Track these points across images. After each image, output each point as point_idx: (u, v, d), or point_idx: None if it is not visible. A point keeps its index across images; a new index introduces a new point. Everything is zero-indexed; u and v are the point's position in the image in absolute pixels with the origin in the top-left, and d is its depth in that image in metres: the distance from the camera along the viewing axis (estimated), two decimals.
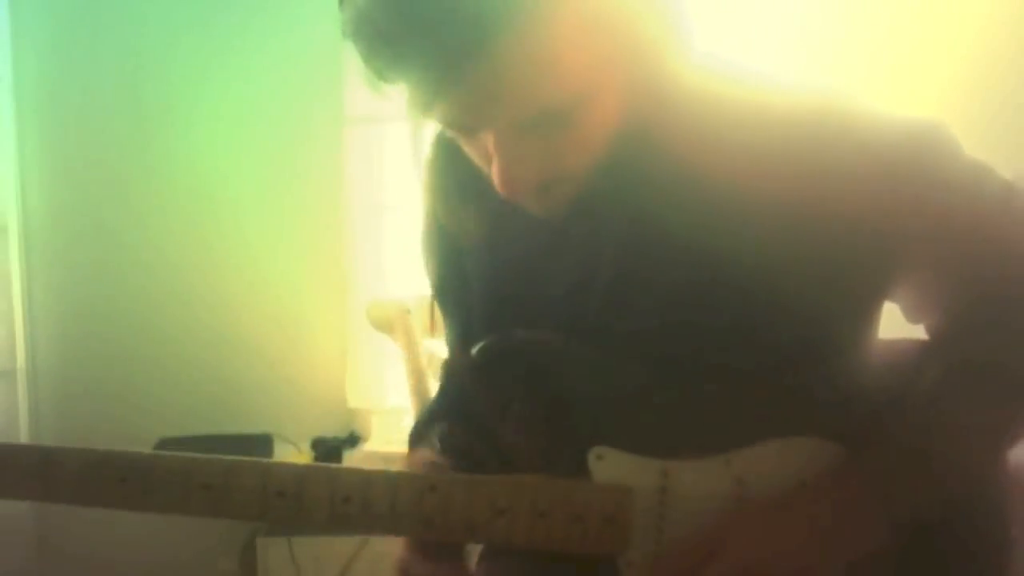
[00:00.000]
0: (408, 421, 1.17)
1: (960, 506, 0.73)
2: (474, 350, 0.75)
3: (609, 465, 0.72)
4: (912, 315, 0.78)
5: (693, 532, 0.70)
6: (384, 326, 1.40)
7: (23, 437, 2.20)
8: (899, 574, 0.71)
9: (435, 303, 0.91)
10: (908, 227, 0.70)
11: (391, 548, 0.92)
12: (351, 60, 0.67)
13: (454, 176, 0.82)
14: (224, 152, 2.20)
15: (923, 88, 1.82)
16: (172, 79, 2.19)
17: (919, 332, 0.79)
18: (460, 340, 0.86)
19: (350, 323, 2.22)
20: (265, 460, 0.75)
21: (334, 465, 0.75)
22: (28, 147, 2.20)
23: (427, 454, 0.84)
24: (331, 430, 2.15)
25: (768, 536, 0.68)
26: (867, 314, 0.76)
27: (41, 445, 0.76)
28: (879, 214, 0.69)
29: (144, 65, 2.19)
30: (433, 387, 1.14)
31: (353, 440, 2.18)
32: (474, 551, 0.93)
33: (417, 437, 0.90)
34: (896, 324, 0.80)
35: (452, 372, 0.92)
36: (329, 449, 2.08)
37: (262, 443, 2.06)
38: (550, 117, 0.62)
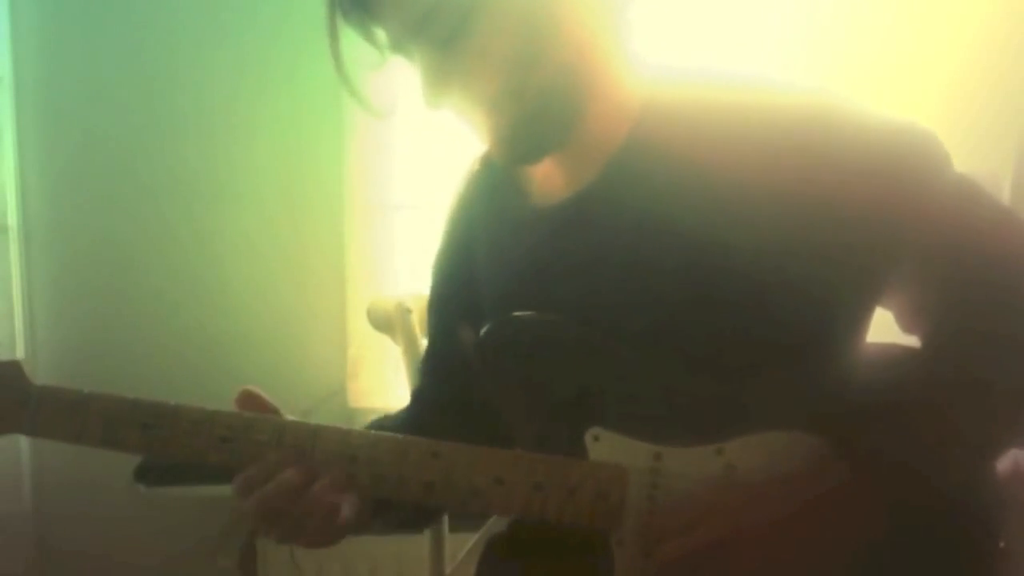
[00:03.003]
0: None
1: (948, 512, 0.74)
2: (482, 331, 0.78)
3: (604, 446, 0.75)
4: (905, 324, 0.79)
5: (682, 513, 0.72)
6: (384, 326, 1.40)
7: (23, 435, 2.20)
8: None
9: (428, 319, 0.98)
10: (896, 227, 0.72)
11: (392, 549, 0.92)
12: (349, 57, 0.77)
13: (479, 201, 0.91)
14: (224, 152, 2.20)
15: (923, 88, 1.82)
16: (172, 78, 2.19)
17: (907, 339, 0.80)
18: (427, 367, 0.97)
19: (350, 323, 2.22)
20: (281, 418, 0.78)
21: (344, 427, 0.78)
22: (28, 147, 2.20)
23: None
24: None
25: (756, 508, 0.70)
26: (858, 314, 0.78)
27: (77, 390, 0.80)
28: (868, 211, 0.71)
29: (145, 65, 2.19)
30: None
31: None
32: (471, 556, 0.93)
33: None
34: (886, 330, 0.80)
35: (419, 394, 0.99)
36: None
37: None
38: (440, 20, 0.73)
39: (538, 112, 0.75)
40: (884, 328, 0.81)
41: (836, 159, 0.72)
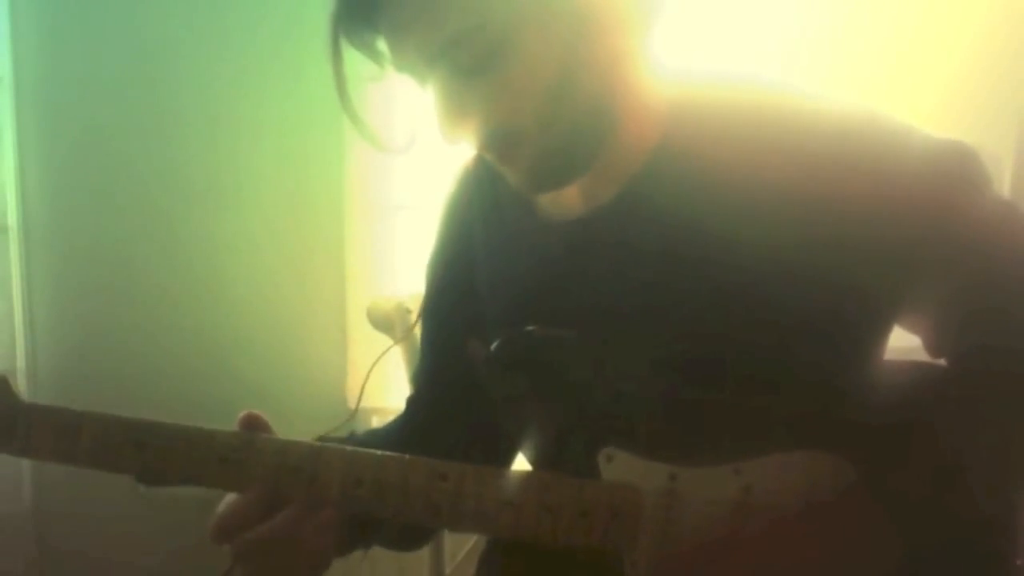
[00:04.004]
0: None
1: (967, 531, 0.71)
2: (492, 345, 0.75)
3: (618, 466, 0.72)
4: (933, 345, 0.76)
5: (698, 536, 0.70)
6: (384, 327, 1.40)
7: None
8: None
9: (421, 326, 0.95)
10: (932, 244, 0.70)
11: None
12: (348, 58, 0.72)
13: (476, 204, 0.86)
14: (224, 152, 2.20)
15: (922, 82, 1.82)
16: (173, 78, 2.19)
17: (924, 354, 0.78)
18: (423, 372, 0.94)
19: (350, 323, 2.22)
20: (282, 437, 0.75)
21: (349, 448, 0.75)
22: (28, 147, 2.20)
23: None
24: (331, 430, 2.14)
25: (776, 547, 0.67)
26: (882, 330, 0.76)
27: (68, 408, 0.76)
28: (904, 227, 0.69)
29: (145, 65, 2.19)
30: None
31: None
32: (471, 556, 0.93)
33: None
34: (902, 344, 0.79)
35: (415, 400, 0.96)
36: None
37: None
38: (468, 48, 0.66)
39: (568, 143, 0.71)
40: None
41: (876, 173, 0.69)
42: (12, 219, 2.18)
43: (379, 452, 0.75)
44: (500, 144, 0.71)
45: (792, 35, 1.85)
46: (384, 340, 1.44)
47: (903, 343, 0.79)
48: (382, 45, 0.72)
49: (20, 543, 2.19)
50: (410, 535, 0.88)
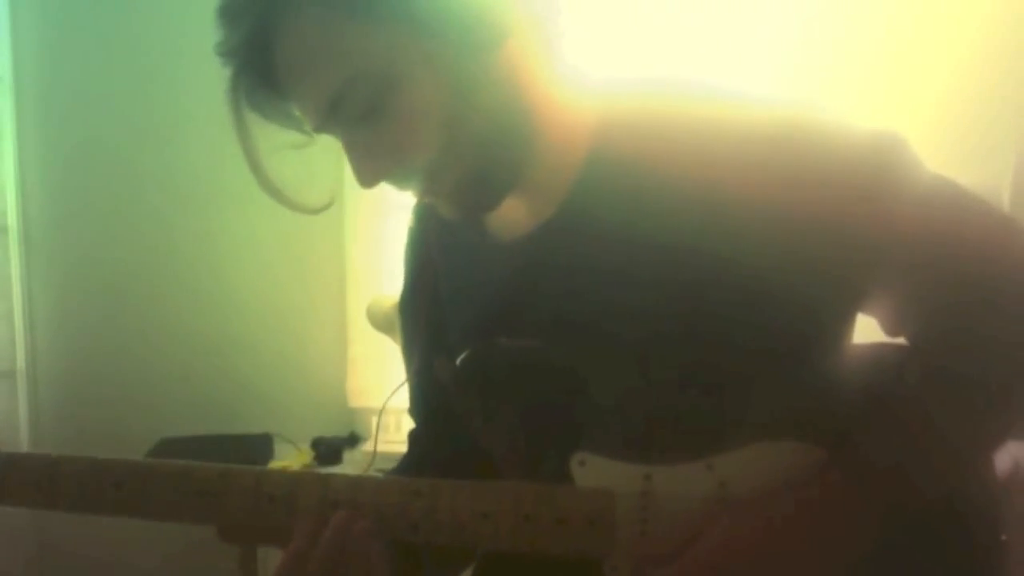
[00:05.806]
0: (408, 421, 1.17)
1: (948, 508, 0.73)
2: (458, 359, 0.76)
3: (591, 471, 0.73)
4: (890, 328, 0.77)
5: (678, 534, 0.70)
6: (384, 326, 1.40)
7: (23, 438, 2.20)
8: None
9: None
10: (869, 234, 0.71)
11: None
12: None
13: (435, 234, 0.88)
14: (224, 152, 2.19)
15: (920, 97, 1.82)
16: (172, 79, 2.19)
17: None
18: (415, 404, 0.94)
19: (350, 323, 2.22)
20: (258, 467, 0.76)
21: (325, 472, 0.76)
22: (28, 147, 2.20)
23: None
24: (331, 430, 2.15)
25: (750, 528, 0.68)
26: (841, 319, 0.77)
27: (44, 454, 0.77)
28: (839, 220, 0.70)
29: (145, 64, 2.20)
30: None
31: (353, 440, 2.18)
32: None
33: None
34: (872, 330, 0.80)
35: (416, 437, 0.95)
36: (329, 449, 2.07)
37: (262, 443, 2.05)
38: (354, 98, 0.69)
39: (481, 164, 0.71)
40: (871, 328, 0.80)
41: (804, 170, 0.70)
42: (12, 219, 2.19)
43: (354, 475, 0.76)
44: (415, 180, 0.73)
45: (793, 45, 1.85)
46: (384, 340, 1.44)
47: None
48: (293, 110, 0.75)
49: (20, 543, 2.19)
50: (448, 558, 0.88)
